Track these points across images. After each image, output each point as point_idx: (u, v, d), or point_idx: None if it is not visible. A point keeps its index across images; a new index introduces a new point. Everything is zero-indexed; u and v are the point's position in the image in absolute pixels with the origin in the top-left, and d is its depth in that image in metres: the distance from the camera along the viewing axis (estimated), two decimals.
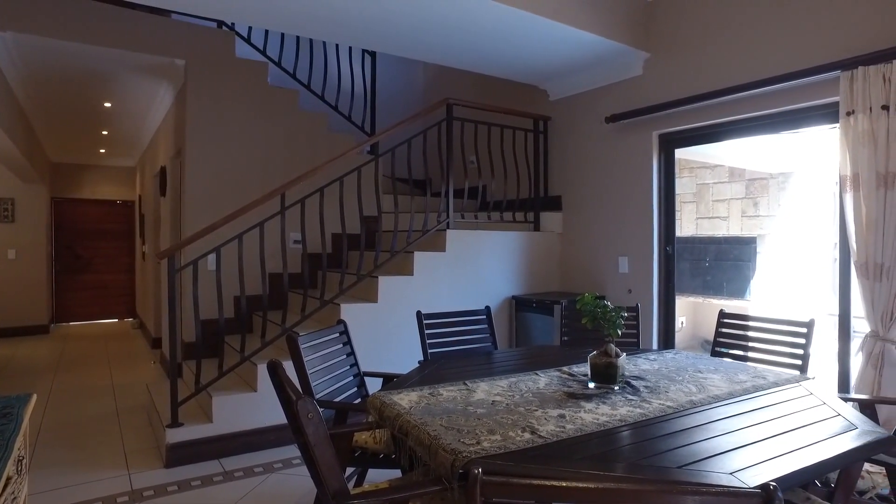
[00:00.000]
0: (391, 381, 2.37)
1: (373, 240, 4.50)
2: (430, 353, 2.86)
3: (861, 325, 2.94)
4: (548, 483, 1.08)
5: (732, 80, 3.47)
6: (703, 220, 6.81)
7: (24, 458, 1.92)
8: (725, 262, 6.40)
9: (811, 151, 5.34)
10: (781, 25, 3.27)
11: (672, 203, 4.08)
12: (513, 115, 4.71)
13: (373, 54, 5.96)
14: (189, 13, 3.47)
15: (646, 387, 2.14)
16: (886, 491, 1.97)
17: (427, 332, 2.89)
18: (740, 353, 2.89)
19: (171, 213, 5.40)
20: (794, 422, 1.77)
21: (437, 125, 4.31)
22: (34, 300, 8.00)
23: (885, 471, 1.94)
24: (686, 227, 6.89)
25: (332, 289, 4.10)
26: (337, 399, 2.43)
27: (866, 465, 1.96)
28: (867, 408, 2.18)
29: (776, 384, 2.20)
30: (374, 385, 2.52)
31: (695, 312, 6.74)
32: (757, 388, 2.13)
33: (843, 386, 3.08)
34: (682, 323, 6.60)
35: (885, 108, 2.71)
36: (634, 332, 3.16)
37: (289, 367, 2.00)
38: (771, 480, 1.19)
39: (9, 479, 1.63)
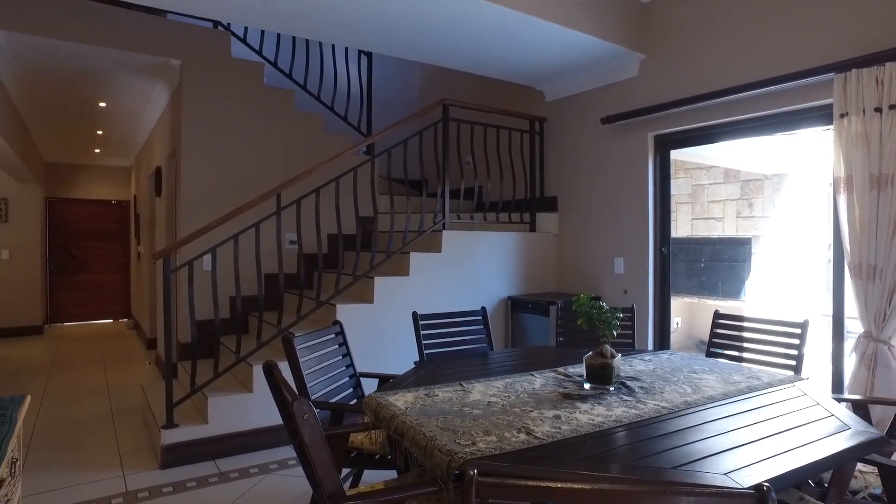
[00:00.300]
0: (387, 382, 2.37)
1: (369, 240, 4.50)
2: (426, 353, 2.86)
3: (854, 326, 2.96)
4: (543, 484, 1.08)
5: (727, 82, 3.48)
6: (699, 220, 6.84)
7: (17, 459, 1.91)
8: (720, 263, 6.43)
9: (805, 153, 5.37)
10: (776, 28, 3.29)
11: (667, 204, 4.10)
12: (509, 115, 4.72)
13: (369, 55, 5.96)
14: (185, 13, 3.46)
15: (641, 387, 2.15)
16: (879, 490, 1.99)
17: (423, 332, 2.89)
18: (735, 353, 2.90)
19: (167, 214, 5.38)
20: (788, 422, 1.78)
21: (434, 126, 4.32)
22: (28, 301, 7.96)
23: (877, 470, 1.95)
24: (681, 227, 6.92)
25: (328, 289, 4.09)
26: (333, 400, 2.43)
27: (859, 465, 1.97)
28: (860, 408, 2.19)
29: (770, 385, 2.21)
30: (369, 386, 2.52)
31: (690, 313, 6.77)
32: (751, 389, 2.14)
33: (837, 386, 3.10)
34: (677, 323, 6.63)
35: (879, 110, 2.73)
36: (630, 332, 3.17)
37: (284, 368, 1.99)
38: (765, 481, 1.19)
39: (2, 481, 1.62)
